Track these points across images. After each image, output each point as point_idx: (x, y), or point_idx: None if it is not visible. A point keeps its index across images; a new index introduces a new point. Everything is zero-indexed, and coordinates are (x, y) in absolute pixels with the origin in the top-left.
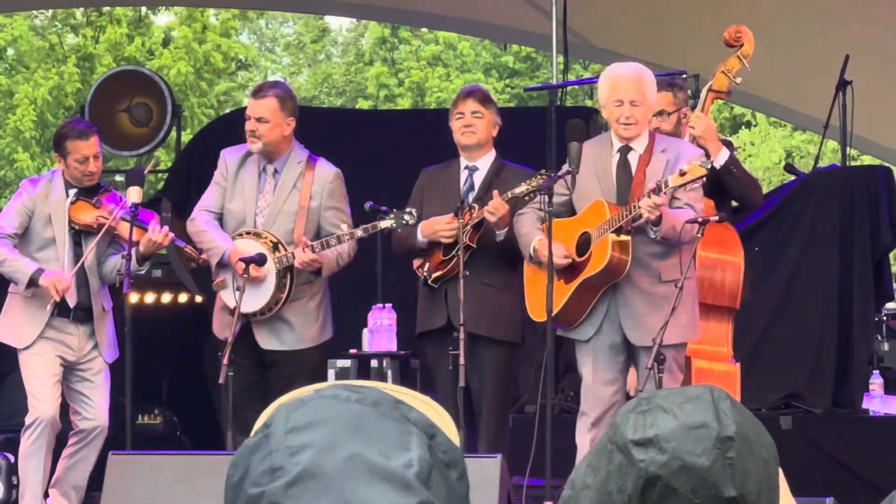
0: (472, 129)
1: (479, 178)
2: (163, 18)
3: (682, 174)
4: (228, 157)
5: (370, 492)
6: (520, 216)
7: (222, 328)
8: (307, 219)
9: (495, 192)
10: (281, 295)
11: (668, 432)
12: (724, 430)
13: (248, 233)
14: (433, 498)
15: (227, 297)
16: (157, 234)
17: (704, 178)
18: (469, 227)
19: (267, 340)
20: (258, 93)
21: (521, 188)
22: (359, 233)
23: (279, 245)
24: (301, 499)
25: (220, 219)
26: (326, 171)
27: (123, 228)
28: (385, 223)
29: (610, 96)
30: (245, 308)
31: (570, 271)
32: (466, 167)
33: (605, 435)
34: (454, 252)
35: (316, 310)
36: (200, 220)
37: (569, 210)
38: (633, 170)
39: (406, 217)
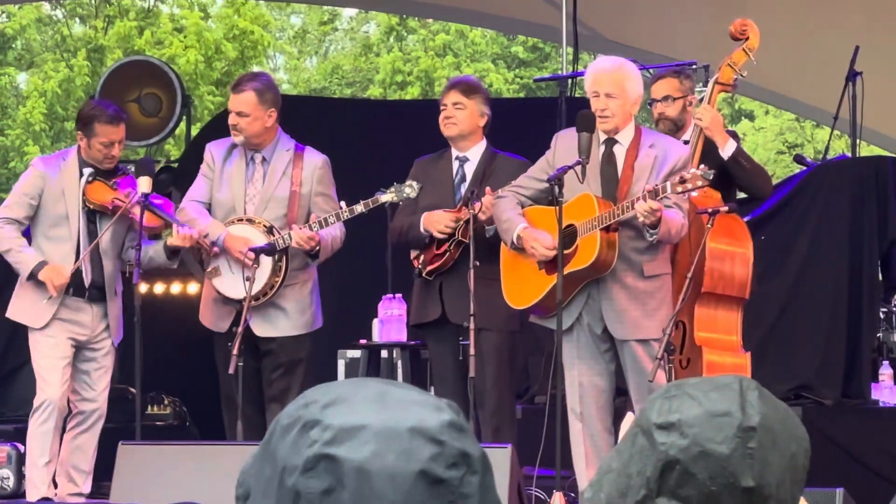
0: (453, 120)
1: (470, 169)
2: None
3: (683, 181)
4: (214, 150)
5: (404, 412)
6: (499, 199)
7: (215, 319)
8: (299, 204)
9: (487, 189)
10: (276, 279)
11: (691, 418)
12: (748, 420)
13: (240, 219)
14: (464, 423)
15: (221, 285)
16: (179, 236)
17: (704, 188)
18: (461, 222)
19: (261, 328)
20: (237, 87)
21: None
22: (359, 208)
23: (273, 230)
24: (338, 414)
25: (209, 209)
26: (315, 158)
27: (139, 213)
28: (386, 197)
29: (589, 88)
30: (240, 294)
31: (552, 262)
32: (457, 158)
33: (634, 419)
34: (449, 246)
35: (308, 296)
36: (190, 209)
37: (547, 197)
38: (620, 164)
39: (407, 190)
